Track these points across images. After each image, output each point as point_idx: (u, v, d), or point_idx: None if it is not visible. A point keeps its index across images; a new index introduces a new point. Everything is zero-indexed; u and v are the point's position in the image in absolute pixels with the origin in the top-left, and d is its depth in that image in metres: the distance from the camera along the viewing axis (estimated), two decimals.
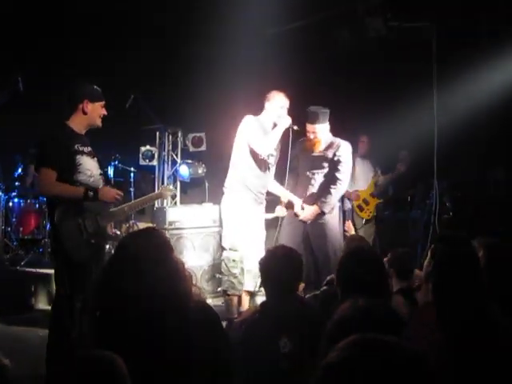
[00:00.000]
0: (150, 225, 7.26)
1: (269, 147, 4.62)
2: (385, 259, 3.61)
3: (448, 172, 6.16)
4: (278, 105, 4.69)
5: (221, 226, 5.25)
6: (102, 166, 3.91)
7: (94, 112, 3.72)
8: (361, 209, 6.45)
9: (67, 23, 6.21)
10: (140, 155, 7.57)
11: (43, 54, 6.25)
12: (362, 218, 6.44)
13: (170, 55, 7.12)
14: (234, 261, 4.61)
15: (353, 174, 6.12)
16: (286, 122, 4.62)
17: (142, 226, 7.46)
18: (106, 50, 6.56)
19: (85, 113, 3.68)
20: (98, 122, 3.79)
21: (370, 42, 6.43)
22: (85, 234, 3.65)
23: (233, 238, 4.65)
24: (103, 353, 1.51)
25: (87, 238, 3.67)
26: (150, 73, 7.13)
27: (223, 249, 4.78)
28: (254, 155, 4.66)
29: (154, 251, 1.93)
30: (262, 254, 4.53)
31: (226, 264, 4.66)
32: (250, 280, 4.66)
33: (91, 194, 3.55)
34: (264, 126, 4.70)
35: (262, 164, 4.72)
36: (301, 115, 5.10)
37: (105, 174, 6.73)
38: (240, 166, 4.69)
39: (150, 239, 1.98)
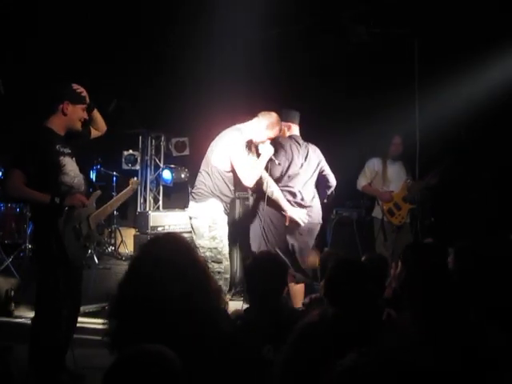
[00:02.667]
0: (133, 229, 7.25)
1: (254, 180, 4.49)
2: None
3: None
4: (263, 128, 4.54)
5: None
6: (81, 166, 3.76)
7: (74, 114, 3.60)
8: (391, 214, 5.95)
9: (49, 25, 6.15)
10: (123, 159, 7.54)
11: (24, 57, 6.18)
12: (393, 224, 5.94)
13: (153, 59, 7.10)
14: (219, 273, 4.36)
15: (384, 177, 6.00)
16: (269, 151, 4.52)
17: (124, 230, 7.45)
18: (89, 54, 6.51)
19: (64, 114, 3.56)
20: (78, 126, 3.66)
21: (352, 49, 6.48)
22: (81, 238, 3.65)
23: (215, 248, 4.42)
24: (156, 346, 1.49)
25: (83, 242, 3.67)
26: (132, 77, 7.10)
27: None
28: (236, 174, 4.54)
29: (185, 253, 1.96)
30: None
31: None
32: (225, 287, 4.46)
33: (58, 200, 3.43)
34: (244, 139, 4.56)
35: (238, 181, 4.60)
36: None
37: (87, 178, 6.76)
38: (217, 177, 4.48)
39: (178, 243, 2.00)
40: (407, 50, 5.99)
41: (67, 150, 3.59)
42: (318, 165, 4.99)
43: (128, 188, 4.30)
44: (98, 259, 6.47)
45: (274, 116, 4.59)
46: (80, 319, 3.96)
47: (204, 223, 4.44)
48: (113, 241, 7.39)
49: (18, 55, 6.15)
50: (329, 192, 5.17)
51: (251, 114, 4.69)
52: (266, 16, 6.06)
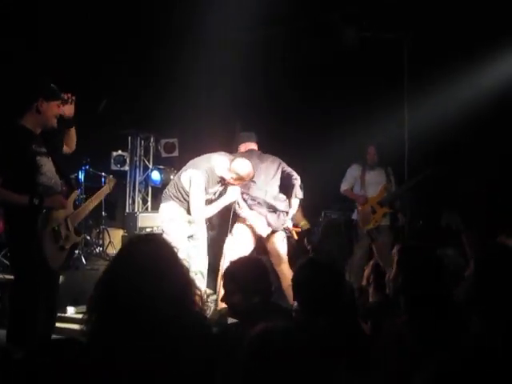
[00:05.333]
0: (121, 230, 7.23)
1: (202, 218, 4.62)
2: (365, 268, 3.57)
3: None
4: (231, 176, 4.59)
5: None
6: (57, 166, 3.64)
7: (49, 111, 3.49)
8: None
9: (37, 23, 6.12)
10: (112, 160, 7.51)
11: (12, 53, 6.14)
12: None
13: (143, 60, 7.09)
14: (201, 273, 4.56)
15: (362, 182, 6.19)
16: (233, 197, 4.62)
17: (112, 231, 7.42)
18: (79, 54, 6.48)
19: (39, 112, 3.45)
20: (53, 123, 3.55)
21: (342, 51, 6.49)
22: (60, 240, 3.60)
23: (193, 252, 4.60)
24: None
25: (62, 244, 3.61)
26: (123, 77, 7.08)
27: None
28: None
29: (166, 255, 1.94)
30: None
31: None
32: None
33: (36, 201, 3.34)
34: (213, 174, 4.60)
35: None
36: (273, 123, 5.16)
37: (75, 179, 6.72)
38: (181, 190, 4.62)
39: (160, 244, 1.98)
40: (397, 54, 6.02)
41: (43, 150, 3.49)
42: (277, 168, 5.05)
43: (104, 187, 4.32)
44: (85, 260, 6.44)
45: (246, 169, 4.59)
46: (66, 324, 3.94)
47: (175, 226, 4.62)
48: (101, 241, 7.36)
49: (10, 54, 6.11)
50: (297, 185, 5.18)
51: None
52: (256, 17, 6.08)
